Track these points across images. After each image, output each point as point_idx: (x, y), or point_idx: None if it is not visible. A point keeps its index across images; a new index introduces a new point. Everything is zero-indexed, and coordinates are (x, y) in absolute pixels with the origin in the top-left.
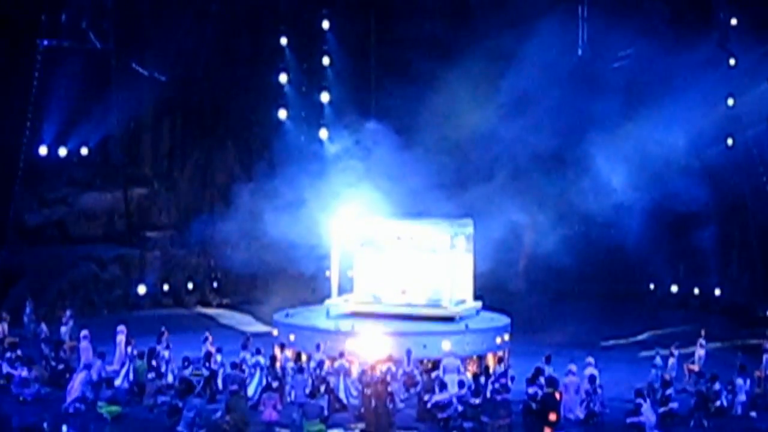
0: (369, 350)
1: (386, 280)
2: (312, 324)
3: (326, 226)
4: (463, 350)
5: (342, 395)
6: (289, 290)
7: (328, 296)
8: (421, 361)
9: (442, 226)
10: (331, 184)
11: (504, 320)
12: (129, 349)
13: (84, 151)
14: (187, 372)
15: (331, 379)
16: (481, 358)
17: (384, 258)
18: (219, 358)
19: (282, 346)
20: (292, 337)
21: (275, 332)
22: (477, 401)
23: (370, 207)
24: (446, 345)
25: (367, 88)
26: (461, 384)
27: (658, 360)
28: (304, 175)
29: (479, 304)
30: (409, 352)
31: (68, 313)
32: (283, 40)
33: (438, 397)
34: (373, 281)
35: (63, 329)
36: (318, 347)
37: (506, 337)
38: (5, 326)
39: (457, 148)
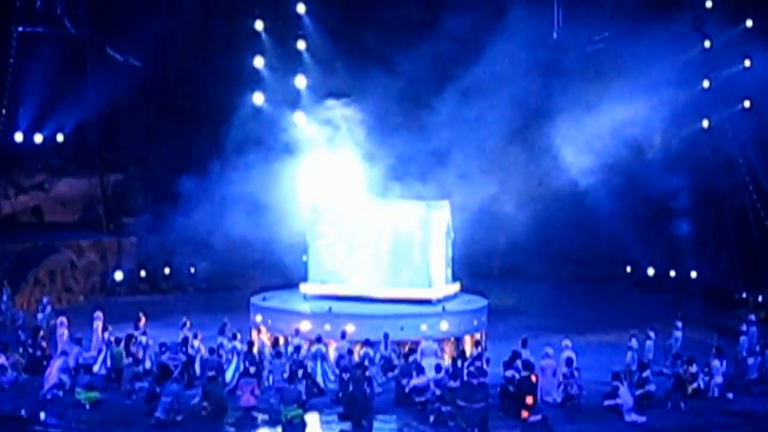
0: (346, 334)
1: (358, 263)
2: (289, 308)
3: (302, 210)
4: (440, 333)
5: (320, 380)
6: (265, 275)
7: (305, 280)
8: (399, 344)
9: (417, 208)
10: (306, 168)
11: (481, 302)
12: (106, 335)
13: (60, 137)
14: (164, 357)
15: (309, 364)
16: (458, 340)
17: (357, 240)
18: (196, 343)
19: (259, 330)
20: (269, 321)
21: (259, 318)
22: (455, 385)
23: (346, 190)
24: (423, 327)
25: (342, 71)
26: (438, 368)
27: (634, 342)
28: (280, 159)
29: (457, 286)
30: (386, 336)
31: (45, 299)
32: (259, 24)
33: (416, 381)
34: (345, 265)
35: (40, 316)
36: (296, 332)
37: (483, 319)
38: None
39: (433, 131)
